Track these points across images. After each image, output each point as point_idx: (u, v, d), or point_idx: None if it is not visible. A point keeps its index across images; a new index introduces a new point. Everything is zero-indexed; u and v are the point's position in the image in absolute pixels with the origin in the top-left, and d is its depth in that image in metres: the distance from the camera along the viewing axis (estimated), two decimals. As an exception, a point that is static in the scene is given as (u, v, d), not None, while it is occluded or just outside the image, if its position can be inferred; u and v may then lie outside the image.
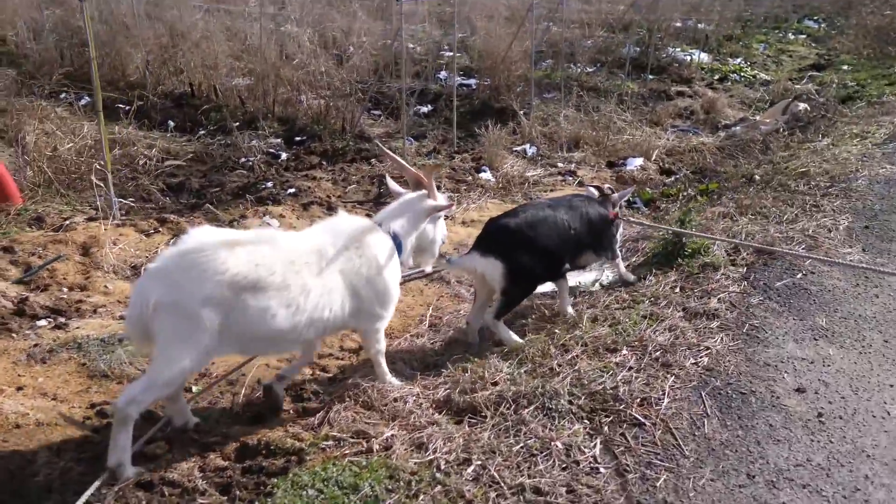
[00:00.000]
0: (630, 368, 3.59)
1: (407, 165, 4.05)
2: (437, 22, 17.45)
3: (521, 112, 11.12)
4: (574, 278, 5.06)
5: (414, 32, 16.15)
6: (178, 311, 2.83)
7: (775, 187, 6.65)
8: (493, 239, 4.26)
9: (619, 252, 4.98)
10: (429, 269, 4.38)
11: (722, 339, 3.89)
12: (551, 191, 8.37)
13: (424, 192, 3.76)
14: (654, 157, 9.57)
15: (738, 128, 11.11)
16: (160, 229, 6.41)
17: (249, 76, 11.23)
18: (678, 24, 18.25)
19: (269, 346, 3.34)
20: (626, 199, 5.09)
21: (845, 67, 15.17)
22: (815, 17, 23.03)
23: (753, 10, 21.85)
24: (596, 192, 5.00)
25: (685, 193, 7.82)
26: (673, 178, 8.97)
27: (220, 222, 6.70)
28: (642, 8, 17.02)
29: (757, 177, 7.39)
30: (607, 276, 5.24)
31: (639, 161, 9.39)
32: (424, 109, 11.98)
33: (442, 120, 11.44)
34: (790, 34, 20.42)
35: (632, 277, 4.89)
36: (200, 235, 3.02)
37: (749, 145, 9.78)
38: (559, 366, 3.69)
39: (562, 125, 10.05)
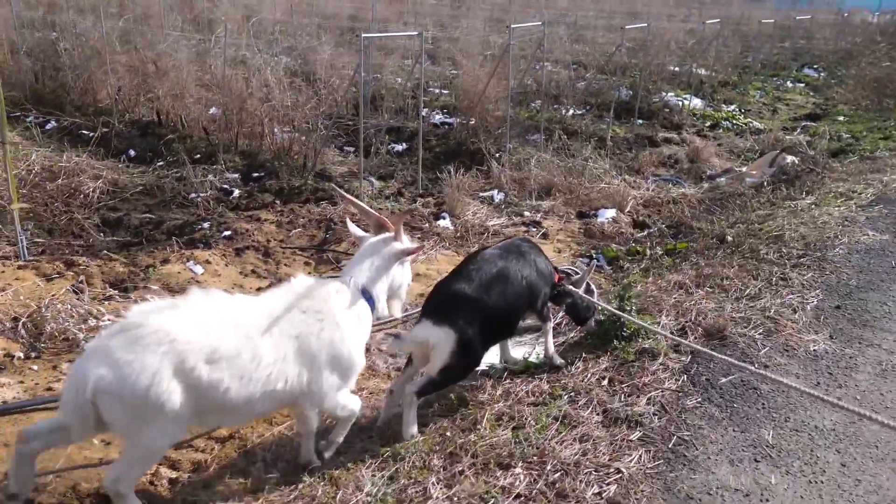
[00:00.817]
0: (517, 497, 2.84)
1: (368, 208, 3.71)
2: (427, 58, 16.97)
3: (496, 155, 10.50)
4: (500, 354, 4.33)
5: (405, 67, 15.65)
6: (127, 394, 2.55)
7: (744, 252, 5.90)
8: (448, 306, 3.57)
9: (550, 316, 4.27)
10: (398, 314, 3.83)
11: (640, 457, 3.12)
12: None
13: (389, 234, 3.43)
14: (628, 209, 8.84)
15: (722, 179, 10.39)
16: (65, 273, 5.74)
17: (218, 107, 10.68)
18: (675, 69, 17.68)
19: (223, 419, 3.07)
20: (586, 280, 4.41)
21: (841, 118, 14.47)
22: (815, 66, 22.40)
23: (752, 57, 21.26)
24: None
25: (652, 252, 7.08)
26: (645, 233, 8.23)
27: (135, 267, 6.03)
28: (637, 51, 16.49)
29: (729, 238, 6.65)
30: (538, 353, 4.50)
31: (611, 213, 8.67)
32: (399, 148, 11.36)
33: (415, 160, 10.82)
34: (788, 82, 19.78)
35: (559, 361, 4.15)
36: (143, 310, 2.76)
37: (730, 199, 9.05)
38: (436, 484, 2.95)
39: (533, 171, 9.36)
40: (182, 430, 2.85)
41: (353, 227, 3.68)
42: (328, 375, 3.08)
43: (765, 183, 9.44)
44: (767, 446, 3.26)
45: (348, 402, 3.26)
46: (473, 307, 3.56)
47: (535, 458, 3.10)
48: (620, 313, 4.15)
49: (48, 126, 10.67)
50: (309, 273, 6.71)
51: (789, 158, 10.17)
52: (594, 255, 7.29)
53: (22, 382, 4.11)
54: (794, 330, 4.36)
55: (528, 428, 3.37)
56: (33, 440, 2.73)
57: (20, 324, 4.80)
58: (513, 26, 10.51)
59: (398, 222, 3.47)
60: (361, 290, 3.28)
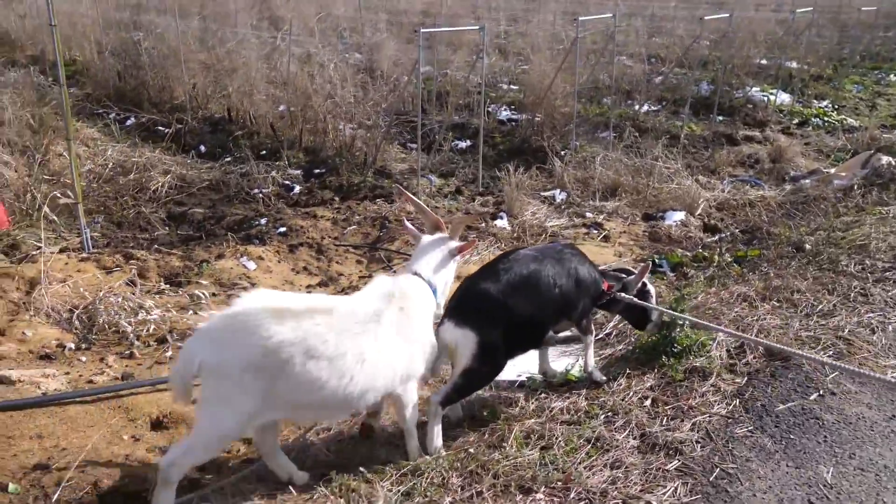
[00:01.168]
0: (533, 526, 2.64)
1: (427, 209, 3.86)
2: (498, 52, 16.74)
3: (562, 153, 10.18)
4: (539, 365, 4.12)
5: (471, 62, 15.48)
6: (221, 374, 2.73)
7: (822, 263, 5.41)
8: (471, 307, 3.43)
9: (592, 328, 4.01)
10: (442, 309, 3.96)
11: (676, 489, 2.85)
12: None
13: (445, 234, 3.64)
14: (699, 212, 8.36)
15: (807, 181, 9.66)
16: (124, 266, 5.92)
17: (286, 104, 10.87)
18: (762, 62, 16.69)
19: (317, 414, 3.31)
20: (640, 283, 4.11)
21: (949, 116, 13.24)
22: (923, 58, 20.65)
23: (850, 48, 19.81)
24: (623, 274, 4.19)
25: (720, 259, 6.63)
26: (716, 238, 7.74)
27: (191, 261, 6.16)
28: (719, 43, 15.66)
29: (807, 246, 6.13)
30: (580, 366, 4.25)
31: (680, 215, 8.21)
32: (462, 145, 11.21)
33: (478, 157, 10.65)
34: (892, 76, 18.30)
35: (599, 376, 3.89)
36: (253, 298, 2.91)
37: (814, 203, 8.39)
38: (451, 505, 2.79)
39: (597, 170, 9.00)
40: (251, 423, 2.90)
41: (409, 226, 3.87)
42: (418, 365, 3.27)
43: (855, 186, 8.70)
44: (825, 486, 2.91)
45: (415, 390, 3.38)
46: (498, 309, 3.37)
47: (559, 483, 2.89)
48: (677, 314, 3.86)
49: (128, 122, 11.16)
50: (360, 272, 6.69)
51: (885, 159, 9.34)
52: (657, 260, 6.91)
53: (67, 374, 4.24)
54: (869, 353, 3.93)
55: (557, 449, 3.15)
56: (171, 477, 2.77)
57: (75, 315, 4.97)
58: (581, 19, 10.14)
59: (458, 225, 3.68)
60: (427, 282, 3.44)
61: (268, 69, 10.85)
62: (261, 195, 8.27)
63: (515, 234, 7.58)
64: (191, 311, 5.07)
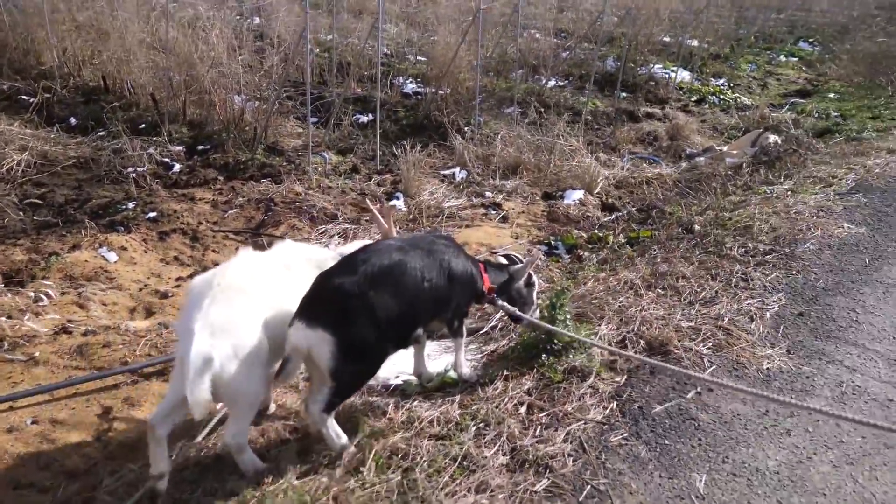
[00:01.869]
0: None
1: (383, 221, 3.90)
2: (406, 22, 16.14)
3: (466, 129, 9.86)
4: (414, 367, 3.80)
5: (384, 31, 14.83)
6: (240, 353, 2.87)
7: (708, 245, 5.34)
8: (323, 305, 3.02)
9: (464, 331, 3.71)
10: None
11: (541, 514, 2.62)
12: (467, 226, 7.10)
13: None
14: (597, 190, 8.26)
15: (701, 158, 9.78)
16: (-44, 261, 5.16)
17: (169, 72, 9.98)
18: (666, 39, 16.88)
19: None
20: (528, 271, 3.85)
21: (832, 95, 13.81)
22: (811, 40, 21.56)
23: (746, 28, 20.41)
24: (504, 260, 3.88)
25: (614, 240, 6.53)
26: (613, 217, 7.66)
27: (38, 254, 5.44)
28: (626, 19, 15.71)
29: (696, 226, 6.09)
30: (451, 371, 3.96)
31: (579, 194, 8.08)
32: (365, 119, 10.69)
33: (381, 132, 10.17)
34: (782, 56, 18.99)
35: (470, 374, 3.64)
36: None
37: (707, 181, 8.46)
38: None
39: (498, 147, 8.74)
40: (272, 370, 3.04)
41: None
42: None
43: (744, 164, 8.85)
44: (697, 497, 2.75)
45: None
46: (353, 305, 2.99)
47: (416, 513, 2.59)
48: (550, 327, 3.61)
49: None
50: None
51: (772, 138, 9.55)
52: (553, 242, 6.74)
53: None
54: (748, 343, 3.83)
55: (420, 472, 2.85)
56: (159, 427, 2.86)
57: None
58: (483, -10, 9.77)
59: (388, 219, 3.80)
60: None
61: (146, 33, 9.89)
62: (134, 175, 7.51)
63: (412, 216, 7.23)
64: (28, 316, 4.43)
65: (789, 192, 6.70)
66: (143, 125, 9.04)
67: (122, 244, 5.75)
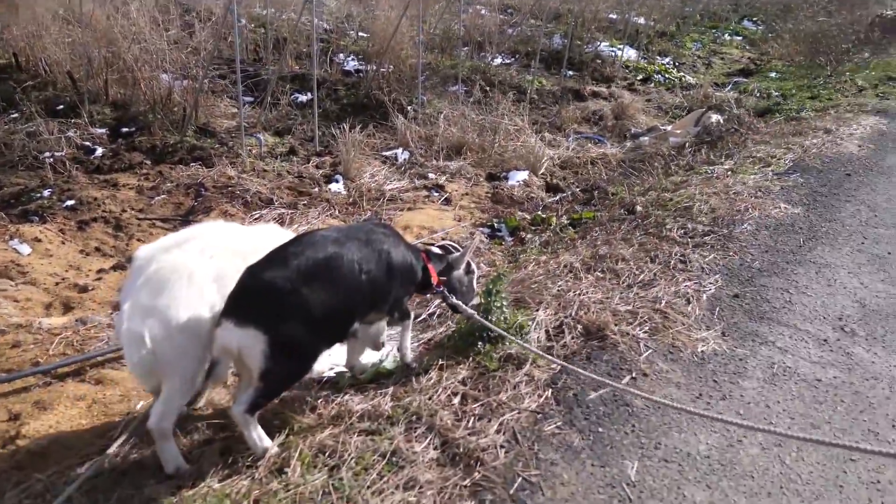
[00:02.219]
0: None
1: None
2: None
3: (410, 107, 9.73)
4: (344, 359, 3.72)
5: (322, 6, 14.46)
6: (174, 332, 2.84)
7: (649, 227, 5.40)
8: (253, 301, 2.89)
9: (409, 311, 3.65)
10: None
11: (471, 508, 2.60)
12: (409, 209, 7.02)
13: None
14: (542, 171, 8.29)
15: (645, 138, 9.92)
16: None
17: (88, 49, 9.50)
18: (613, 16, 17.00)
19: None
20: (467, 259, 3.77)
21: (774, 75, 14.16)
22: (754, 18, 22.07)
23: (693, 7, 20.73)
24: (438, 251, 3.83)
25: (557, 222, 6.55)
26: (557, 198, 7.70)
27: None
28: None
29: (638, 207, 6.16)
30: (395, 356, 3.91)
31: (523, 175, 8.09)
32: (303, 98, 10.43)
33: (320, 112, 9.94)
34: (727, 34, 19.38)
35: (410, 359, 3.62)
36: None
37: (650, 161, 8.58)
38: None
39: (441, 127, 8.65)
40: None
41: None
42: None
43: (687, 144, 9.01)
44: (628, 485, 2.77)
45: None
46: (286, 302, 2.90)
47: (341, 515, 2.53)
48: (486, 322, 3.58)
49: None
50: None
51: (714, 117, 9.75)
52: (496, 225, 6.73)
53: None
54: (683, 326, 3.89)
55: (347, 470, 2.79)
56: (161, 427, 2.91)
57: None
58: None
59: None
60: None
61: (58, 4, 9.38)
62: (51, 160, 7.15)
63: (351, 199, 7.11)
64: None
65: (729, 173, 6.83)
66: (61, 106, 8.61)
67: (36, 235, 5.47)
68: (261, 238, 3.36)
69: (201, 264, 3.06)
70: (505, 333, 3.50)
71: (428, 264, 3.59)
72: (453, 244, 3.99)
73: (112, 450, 3.13)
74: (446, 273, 3.72)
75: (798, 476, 2.90)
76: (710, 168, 7.18)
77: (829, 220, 5.61)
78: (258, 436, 3.00)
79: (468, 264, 3.79)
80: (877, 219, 5.74)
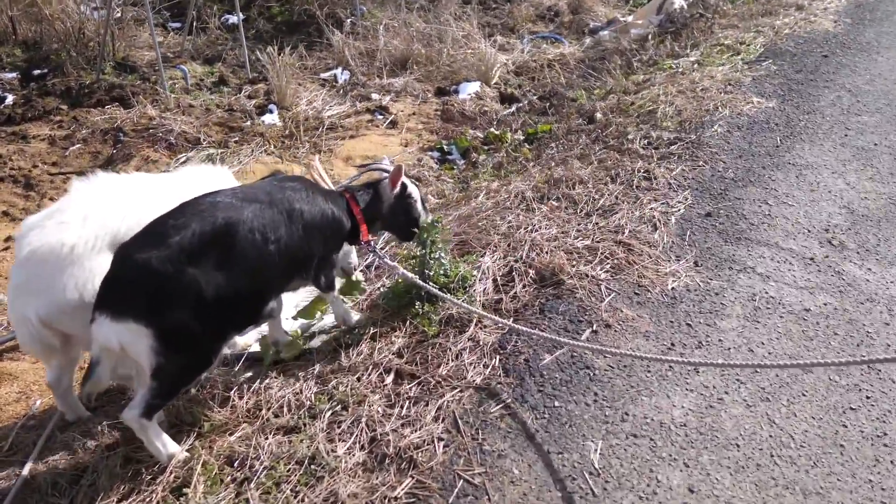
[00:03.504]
0: None
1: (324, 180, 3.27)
2: None
3: (349, 20, 8.69)
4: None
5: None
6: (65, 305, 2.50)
7: (609, 140, 4.71)
8: (127, 290, 2.27)
9: (335, 283, 3.02)
10: None
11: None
12: (352, 137, 6.24)
13: None
14: (494, 80, 7.45)
15: (605, 32, 8.99)
16: None
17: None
18: None
19: None
20: (399, 188, 3.01)
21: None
22: None
23: None
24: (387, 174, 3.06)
25: (512, 138, 5.83)
26: (513, 109, 6.92)
27: None
28: None
29: (598, 115, 5.43)
30: (324, 325, 3.30)
31: (475, 86, 7.25)
32: (234, 19, 9.28)
33: (252, 34, 8.88)
34: None
35: (353, 319, 3.05)
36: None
37: (612, 58, 7.74)
38: None
39: (381, 41, 7.69)
40: None
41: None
42: None
43: (650, 35, 8.12)
44: (591, 474, 2.26)
45: None
46: (168, 287, 2.27)
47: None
48: (421, 283, 2.94)
49: None
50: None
51: (678, 3, 8.80)
52: (446, 148, 5.99)
53: None
54: (650, 259, 3.30)
55: (257, 487, 2.24)
56: (59, 384, 2.79)
57: None
58: None
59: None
60: None
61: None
62: (-51, 114, 6.21)
63: (287, 131, 6.29)
64: None
65: (696, 66, 6.07)
66: (-37, 50, 7.52)
67: (-76, 205, 4.68)
68: (168, 188, 2.81)
69: (82, 235, 2.54)
70: (442, 294, 2.89)
71: (358, 214, 2.91)
72: (381, 166, 3.22)
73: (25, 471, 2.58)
74: (376, 208, 3.02)
75: (791, 438, 2.40)
76: (675, 62, 6.39)
77: (807, 112, 4.94)
78: (161, 442, 2.45)
79: (402, 187, 3.04)
80: (859, 104, 5.08)
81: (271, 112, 6.60)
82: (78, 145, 5.89)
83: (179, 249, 2.28)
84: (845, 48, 6.31)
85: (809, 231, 3.57)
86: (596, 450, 2.33)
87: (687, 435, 2.40)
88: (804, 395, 2.57)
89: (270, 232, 2.50)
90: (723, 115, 4.83)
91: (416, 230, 3.08)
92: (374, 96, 6.99)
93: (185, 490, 2.30)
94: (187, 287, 2.29)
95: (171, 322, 2.27)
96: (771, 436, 2.40)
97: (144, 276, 2.26)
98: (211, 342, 2.44)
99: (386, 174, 3.04)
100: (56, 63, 7.31)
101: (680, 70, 6.02)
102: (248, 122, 6.40)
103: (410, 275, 2.96)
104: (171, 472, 2.41)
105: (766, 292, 3.11)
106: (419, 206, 3.10)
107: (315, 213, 2.69)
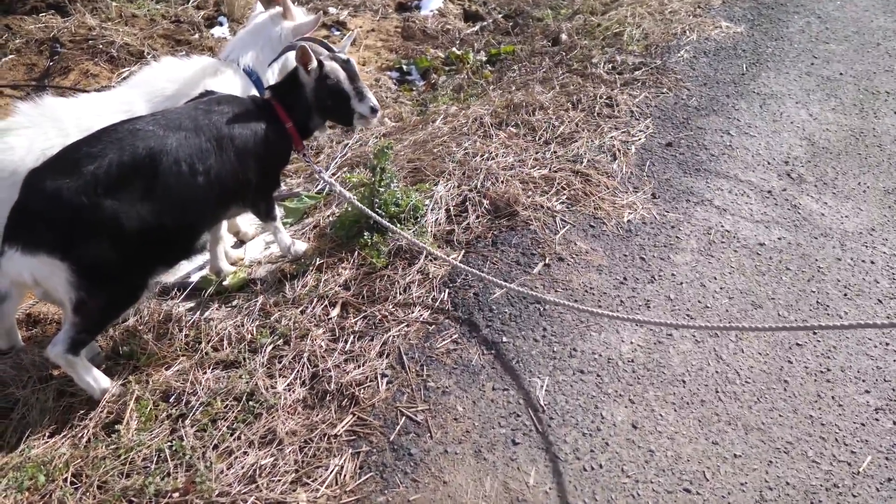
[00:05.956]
0: None
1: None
2: None
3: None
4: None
5: None
6: None
7: (572, 63, 4.48)
8: (39, 221, 2.07)
9: (276, 213, 2.82)
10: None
11: (340, 471, 1.98)
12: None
13: (278, 10, 3.02)
14: (459, -5, 7.02)
15: (576, -52, 8.50)
16: None
17: None
18: None
19: None
20: (312, 59, 2.55)
21: None
22: None
23: None
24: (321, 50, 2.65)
25: (474, 59, 5.52)
26: (477, 28, 6.56)
27: None
28: None
29: (563, 37, 5.15)
30: (269, 254, 3.13)
31: (437, 2, 6.83)
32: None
33: (202, -63, 8.14)
34: None
35: (298, 247, 2.89)
36: None
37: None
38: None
39: (340, -51, 7.12)
40: None
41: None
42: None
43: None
44: (536, 410, 2.20)
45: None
46: (86, 218, 2.07)
47: (175, 495, 1.90)
48: (364, 209, 2.76)
49: None
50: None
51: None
52: (405, 67, 5.67)
53: None
54: (608, 190, 3.17)
55: (192, 424, 2.13)
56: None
57: None
58: None
59: None
60: (248, 72, 2.88)
61: None
62: None
63: (239, 46, 5.86)
64: None
65: (666, -15, 5.76)
66: None
67: None
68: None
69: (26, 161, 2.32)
70: (389, 225, 2.73)
71: (286, 122, 2.62)
72: (321, 43, 2.78)
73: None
74: (302, 102, 2.63)
75: (737, 374, 2.36)
76: (646, -19, 6.06)
77: (775, 39, 4.75)
78: (92, 377, 2.32)
79: (319, 66, 2.57)
80: (828, 32, 4.90)
81: (221, 24, 6.13)
82: (11, 56, 5.39)
83: (94, 180, 2.07)
84: (818, -28, 6.05)
85: (769, 163, 3.47)
86: (542, 386, 2.26)
87: (634, 371, 2.34)
88: (752, 332, 2.53)
89: (198, 163, 2.28)
90: (690, 39, 4.62)
91: (351, 113, 2.66)
92: (332, 10, 6.54)
93: (117, 426, 2.18)
94: (104, 220, 2.09)
95: (89, 256, 2.08)
96: (717, 371, 2.36)
97: (56, 206, 2.05)
98: (136, 277, 2.27)
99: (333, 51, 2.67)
100: (-17, -37, 6.61)
101: (649, -10, 5.71)
102: (197, 35, 5.94)
103: (358, 202, 2.78)
104: (103, 408, 2.28)
105: (722, 225, 3.03)
106: (346, 85, 2.62)
107: (247, 136, 2.45)
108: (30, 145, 2.33)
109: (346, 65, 2.65)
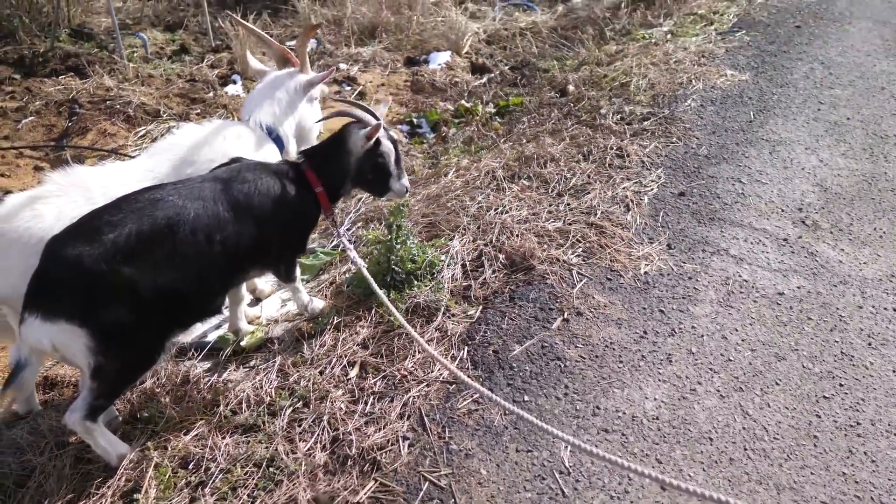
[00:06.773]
0: None
1: (267, 37, 3.28)
2: None
3: (317, -15, 8.29)
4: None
5: None
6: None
7: (581, 114, 4.54)
8: (58, 288, 2.08)
9: (297, 274, 2.83)
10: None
11: (363, 541, 1.94)
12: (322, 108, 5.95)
13: (294, 68, 3.09)
14: (466, 49, 7.18)
15: (578, 0, 8.74)
16: None
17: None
18: None
19: None
20: (367, 140, 2.63)
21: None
22: None
23: None
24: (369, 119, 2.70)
25: (483, 112, 5.61)
26: (484, 80, 6.69)
27: None
28: None
29: (570, 88, 5.24)
30: (286, 312, 3.13)
31: (445, 56, 6.98)
32: (197, -17, 8.80)
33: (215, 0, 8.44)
34: None
35: (316, 305, 2.91)
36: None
37: (584, 27, 7.51)
38: None
39: (349, 7, 7.36)
40: None
41: (253, 61, 3.26)
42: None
43: (623, 3, 7.89)
44: (562, 473, 2.15)
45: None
46: (105, 285, 2.08)
47: (195, 569, 1.86)
48: (366, 273, 2.76)
49: None
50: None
51: (651, -30, 8.55)
52: (415, 121, 5.77)
53: None
54: (623, 242, 3.17)
55: (211, 492, 2.09)
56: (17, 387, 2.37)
57: None
58: None
59: (303, 43, 3.07)
60: (267, 131, 2.89)
61: None
62: None
63: (252, 103, 5.99)
64: None
65: (669, 36, 5.88)
66: None
67: None
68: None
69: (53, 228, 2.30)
70: (387, 302, 2.72)
71: (317, 187, 2.64)
72: (358, 113, 2.86)
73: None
74: (341, 164, 2.66)
75: (764, 430, 2.31)
76: (649, 32, 6.20)
77: (780, 85, 4.81)
78: (107, 442, 2.29)
79: (377, 143, 2.65)
80: (832, 77, 4.96)
81: (235, 83, 6.29)
82: (31, 118, 5.53)
83: (114, 248, 2.10)
84: (818, 18, 6.17)
85: (783, 210, 3.47)
86: (566, 447, 2.22)
87: (659, 429, 2.30)
88: (777, 383, 2.49)
89: (216, 232, 2.30)
90: (696, 88, 4.68)
91: (388, 189, 2.76)
92: (342, 66, 6.69)
93: (135, 495, 2.14)
94: (123, 287, 2.10)
95: (107, 321, 2.09)
96: (745, 428, 2.31)
97: (75, 273, 2.07)
98: (152, 340, 2.27)
99: (357, 122, 2.73)
100: (8, 30, 6.86)
101: (653, 40, 5.84)
102: (211, 93, 6.08)
103: (367, 272, 2.71)
104: (122, 476, 2.25)
105: (740, 275, 3.01)
106: (392, 166, 2.72)
107: (266, 205, 2.46)
108: (59, 213, 2.35)
109: (395, 144, 2.73)
